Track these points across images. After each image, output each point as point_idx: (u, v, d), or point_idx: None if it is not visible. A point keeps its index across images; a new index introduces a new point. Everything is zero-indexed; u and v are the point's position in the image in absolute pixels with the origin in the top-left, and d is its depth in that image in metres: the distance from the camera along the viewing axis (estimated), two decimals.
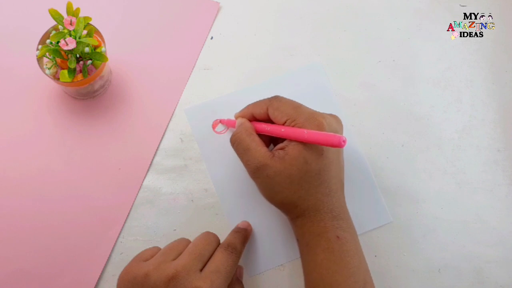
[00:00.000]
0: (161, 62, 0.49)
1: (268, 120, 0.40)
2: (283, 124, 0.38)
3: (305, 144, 0.37)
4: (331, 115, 0.40)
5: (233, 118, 0.47)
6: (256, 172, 0.38)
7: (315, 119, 0.37)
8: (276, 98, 0.40)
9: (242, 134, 0.40)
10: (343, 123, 0.41)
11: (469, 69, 0.51)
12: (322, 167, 0.37)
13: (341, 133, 0.40)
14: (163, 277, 0.33)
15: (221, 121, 0.47)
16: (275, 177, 0.37)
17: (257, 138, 0.39)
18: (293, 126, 0.37)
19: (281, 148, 0.38)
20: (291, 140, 0.38)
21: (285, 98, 0.40)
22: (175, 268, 0.34)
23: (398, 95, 0.50)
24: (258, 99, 0.44)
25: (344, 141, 0.34)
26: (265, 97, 0.44)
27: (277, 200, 0.38)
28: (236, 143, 0.40)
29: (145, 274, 0.34)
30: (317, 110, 0.39)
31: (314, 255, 0.37)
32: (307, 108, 0.39)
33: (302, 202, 0.37)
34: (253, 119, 0.41)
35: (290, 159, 0.37)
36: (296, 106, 0.38)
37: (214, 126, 0.48)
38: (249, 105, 0.42)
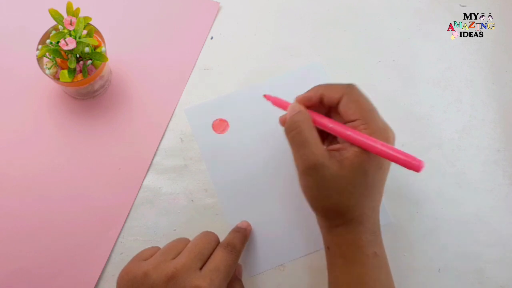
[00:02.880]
0: (161, 62, 0.49)
1: (331, 109, 0.37)
2: (351, 121, 0.35)
3: (368, 152, 0.34)
4: (391, 129, 0.37)
5: (232, 118, 0.47)
6: (311, 170, 0.35)
7: (386, 132, 0.35)
8: (355, 88, 0.36)
9: (303, 123, 0.36)
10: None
11: (469, 69, 0.51)
12: (376, 181, 0.36)
13: None
14: (163, 276, 0.33)
15: (267, 97, 0.41)
16: (330, 180, 0.34)
17: (316, 134, 0.36)
18: (360, 129, 0.35)
19: (337, 150, 0.36)
20: (352, 143, 0.35)
21: (363, 94, 0.36)
22: (174, 267, 0.34)
23: (398, 95, 0.50)
24: (258, 99, 0.43)
25: (423, 167, 0.32)
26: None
27: (323, 205, 0.36)
28: (294, 132, 0.36)
29: (144, 274, 0.34)
30: None
31: (352, 268, 0.36)
32: (380, 116, 0.36)
33: (348, 212, 0.35)
34: (317, 104, 0.38)
35: (349, 165, 0.34)
36: (372, 109, 0.36)
37: (214, 126, 0.48)
38: (320, 86, 0.38)
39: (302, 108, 0.38)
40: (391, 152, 0.33)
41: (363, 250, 0.36)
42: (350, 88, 0.36)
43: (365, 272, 0.36)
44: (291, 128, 0.37)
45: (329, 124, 0.36)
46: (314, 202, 0.37)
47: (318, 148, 0.35)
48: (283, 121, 0.40)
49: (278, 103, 0.41)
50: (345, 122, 0.36)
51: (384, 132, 0.35)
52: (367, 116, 0.35)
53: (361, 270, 0.36)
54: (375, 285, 0.36)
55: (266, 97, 0.41)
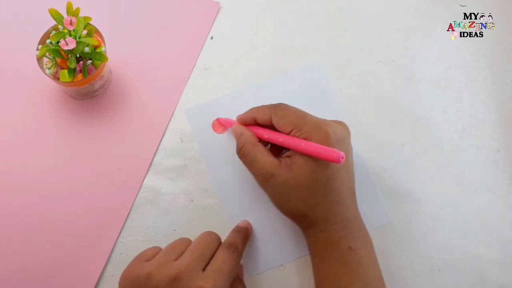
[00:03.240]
0: (161, 62, 0.49)
1: (271, 126, 0.40)
2: (289, 133, 0.38)
3: None
4: (337, 122, 0.39)
5: (232, 117, 0.47)
6: (265, 182, 0.38)
7: (320, 128, 0.36)
8: (280, 106, 0.39)
9: (247, 146, 0.39)
10: (344, 123, 0.41)
11: (469, 69, 0.51)
12: (330, 176, 0.37)
13: (349, 141, 0.39)
14: (166, 277, 0.33)
15: (218, 120, 0.47)
16: (283, 186, 0.37)
17: (262, 148, 0.39)
18: (298, 136, 0.37)
19: (288, 156, 0.38)
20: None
21: (289, 106, 0.39)
22: (177, 268, 0.34)
23: (398, 95, 0.50)
24: (258, 99, 0.43)
25: (342, 158, 0.34)
26: (265, 97, 0.44)
27: (287, 209, 0.38)
28: (243, 156, 0.40)
29: (147, 274, 0.34)
30: (317, 111, 0.39)
31: (326, 266, 0.37)
32: (313, 116, 0.38)
33: (311, 212, 0.37)
34: (255, 124, 0.41)
35: (296, 168, 0.36)
36: (302, 115, 0.38)
37: (214, 126, 0.48)
38: (252, 109, 0.41)
39: (243, 129, 0.41)
40: (310, 148, 0.35)
41: (336, 247, 0.37)
42: (275, 108, 0.39)
43: (340, 268, 0.36)
44: (240, 154, 0.40)
45: (265, 135, 0.40)
46: (279, 208, 0.39)
47: (265, 161, 0.38)
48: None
49: (226, 123, 0.46)
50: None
51: (318, 130, 0.36)
52: (297, 124, 0.37)
53: (337, 266, 0.37)
54: (353, 279, 0.36)
55: (218, 120, 0.47)
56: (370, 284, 0.37)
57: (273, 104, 0.40)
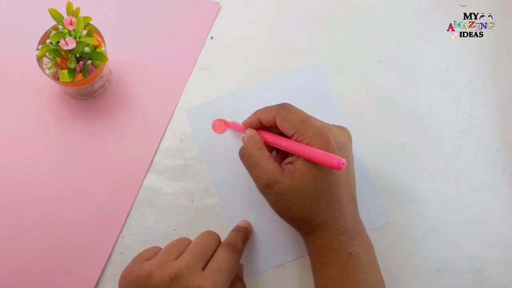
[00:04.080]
0: (161, 62, 0.49)
1: (276, 127, 0.39)
2: (291, 136, 0.38)
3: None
4: (339, 128, 0.39)
5: (233, 118, 0.47)
6: (266, 188, 0.37)
7: (323, 134, 0.36)
8: (284, 107, 0.39)
9: (252, 148, 0.39)
10: (343, 123, 0.41)
11: (469, 69, 0.51)
12: (332, 183, 0.37)
13: (350, 147, 0.39)
14: (166, 276, 0.33)
15: (226, 123, 0.47)
16: (285, 193, 0.36)
17: (266, 153, 0.39)
18: (300, 141, 0.37)
19: (290, 162, 0.38)
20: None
21: (293, 108, 0.39)
22: (177, 267, 0.34)
23: (398, 95, 0.50)
24: (258, 99, 0.44)
25: (343, 164, 0.34)
26: (265, 97, 0.44)
27: (288, 216, 0.38)
28: (245, 157, 0.39)
29: (147, 274, 0.34)
30: (317, 111, 0.38)
31: (327, 271, 0.37)
32: (316, 120, 0.38)
33: (313, 218, 0.37)
34: (260, 126, 0.41)
35: (299, 175, 0.36)
36: (305, 119, 0.38)
37: (214, 126, 0.48)
38: (257, 111, 0.41)
39: (252, 132, 0.41)
40: (312, 154, 0.35)
41: (337, 253, 0.37)
42: (279, 109, 0.39)
43: (341, 273, 0.36)
44: (242, 155, 0.40)
45: (270, 139, 0.40)
46: (280, 215, 0.39)
47: (268, 167, 0.37)
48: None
49: (235, 127, 0.45)
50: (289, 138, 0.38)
51: (320, 136, 0.36)
52: (300, 127, 0.37)
53: (337, 272, 0.36)
54: (353, 284, 0.36)
55: (226, 123, 0.47)
56: None
57: (278, 105, 0.40)
